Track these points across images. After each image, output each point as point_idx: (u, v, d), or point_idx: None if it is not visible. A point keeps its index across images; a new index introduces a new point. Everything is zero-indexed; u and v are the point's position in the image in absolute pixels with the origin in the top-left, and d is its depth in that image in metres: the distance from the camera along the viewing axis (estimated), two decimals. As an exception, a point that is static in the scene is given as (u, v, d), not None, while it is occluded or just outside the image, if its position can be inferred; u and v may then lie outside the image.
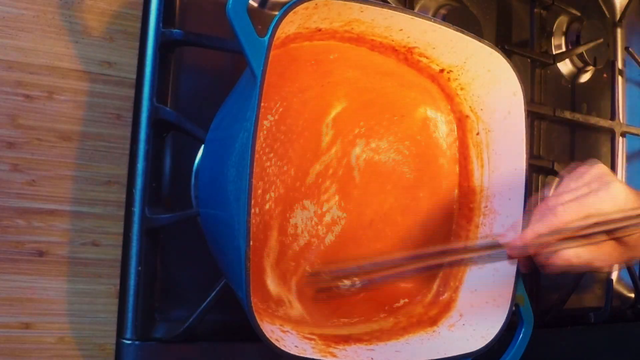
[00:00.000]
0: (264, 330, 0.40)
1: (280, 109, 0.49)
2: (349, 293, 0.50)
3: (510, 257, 0.46)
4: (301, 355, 0.43)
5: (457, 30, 0.50)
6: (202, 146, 0.51)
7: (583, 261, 0.43)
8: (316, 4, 0.43)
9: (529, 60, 0.76)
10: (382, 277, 0.50)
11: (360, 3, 0.45)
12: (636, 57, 0.87)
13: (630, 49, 0.88)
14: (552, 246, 0.43)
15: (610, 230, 0.43)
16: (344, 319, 0.51)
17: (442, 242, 0.57)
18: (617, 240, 0.44)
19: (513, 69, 0.52)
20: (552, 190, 0.45)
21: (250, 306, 0.39)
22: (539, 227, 0.43)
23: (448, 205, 0.58)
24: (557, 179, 0.77)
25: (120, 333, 0.49)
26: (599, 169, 0.45)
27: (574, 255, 0.43)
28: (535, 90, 0.76)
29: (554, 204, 0.43)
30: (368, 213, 0.53)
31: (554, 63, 0.77)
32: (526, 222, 0.45)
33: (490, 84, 0.54)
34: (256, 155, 0.41)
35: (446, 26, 0.49)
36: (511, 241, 0.45)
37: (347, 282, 0.49)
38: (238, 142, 0.40)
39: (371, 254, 0.53)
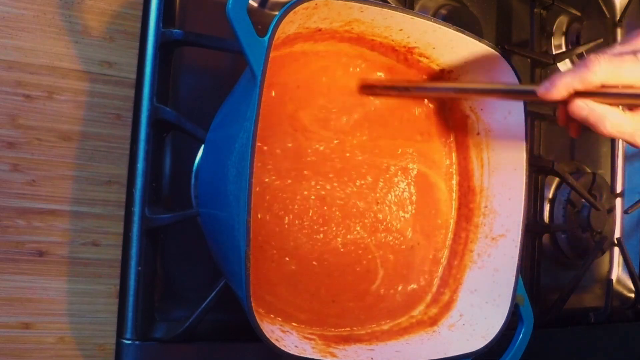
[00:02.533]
0: (264, 330, 0.40)
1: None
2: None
3: (540, 92, 0.45)
4: (301, 355, 0.43)
5: (457, 30, 0.50)
6: (202, 146, 0.51)
7: (621, 129, 0.42)
8: (316, 4, 0.43)
9: (529, 60, 0.76)
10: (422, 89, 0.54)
11: (360, 3, 0.45)
12: (636, 57, 0.87)
13: (630, 49, 0.88)
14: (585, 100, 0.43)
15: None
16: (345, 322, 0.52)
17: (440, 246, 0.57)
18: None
19: (513, 69, 0.52)
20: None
21: (250, 306, 0.39)
22: (570, 78, 0.42)
23: (448, 204, 0.58)
24: (557, 179, 0.77)
25: (120, 333, 0.49)
26: None
27: (613, 119, 0.42)
28: (535, 90, 0.76)
29: (590, 59, 0.42)
30: (363, 212, 0.53)
31: (554, 63, 0.77)
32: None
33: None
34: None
35: (446, 26, 0.49)
36: (542, 91, 0.44)
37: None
38: (238, 142, 0.40)
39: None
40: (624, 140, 0.44)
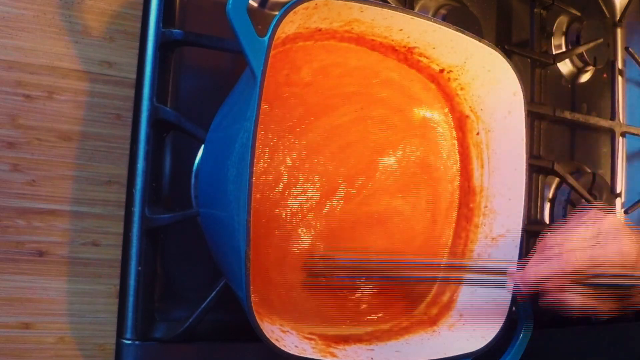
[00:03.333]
0: (264, 330, 0.40)
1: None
2: (338, 287, 0.50)
3: (510, 290, 0.47)
4: (301, 355, 0.43)
5: (457, 30, 0.50)
6: (202, 146, 0.51)
7: (586, 307, 0.44)
8: (316, 4, 0.43)
9: (529, 60, 0.76)
10: (373, 276, 0.50)
11: (360, 3, 0.45)
12: (636, 57, 0.87)
13: (630, 49, 0.88)
14: (554, 288, 0.44)
15: (614, 285, 0.44)
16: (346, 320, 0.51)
17: (442, 245, 0.57)
18: (621, 295, 0.45)
19: (513, 69, 0.52)
20: (552, 234, 0.45)
21: (250, 306, 0.39)
22: (544, 270, 0.44)
23: (448, 205, 0.58)
24: (557, 179, 0.77)
25: (120, 333, 0.49)
26: (612, 221, 0.45)
27: (579, 302, 0.44)
28: (535, 90, 0.76)
29: (561, 250, 0.44)
30: (366, 210, 0.53)
31: (554, 63, 0.77)
32: (531, 259, 0.46)
33: (490, 84, 0.54)
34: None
35: (446, 26, 0.49)
36: (515, 278, 0.46)
37: (341, 274, 0.50)
38: (238, 142, 0.40)
39: (369, 252, 0.53)
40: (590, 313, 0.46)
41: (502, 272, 0.47)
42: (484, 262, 0.52)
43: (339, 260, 0.50)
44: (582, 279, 0.43)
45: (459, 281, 0.53)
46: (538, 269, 0.44)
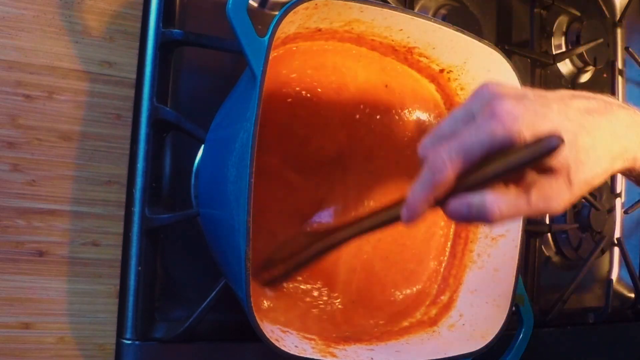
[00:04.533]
0: (264, 330, 0.40)
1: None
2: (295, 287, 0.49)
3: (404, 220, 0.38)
4: (301, 355, 0.43)
5: (457, 30, 0.50)
6: (202, 146, 0.51)
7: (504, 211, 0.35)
8: (316, 4, 0.43)
9: (529, 60, 0.76)
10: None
11: (360, 3, 0.45)
12: (636, 57, 0.87)
13: (630, 49, 0.88)
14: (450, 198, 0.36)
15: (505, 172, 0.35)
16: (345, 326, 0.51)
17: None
18: (516, 185, 0.37)
19: (513, 69, 0.52)
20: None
21: (250, 306, 0.39)
22: (421, 191, 0.36)
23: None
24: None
25: (120, 333, 0.49)
26: (482, 90, 0.36)
27: (504, 205, 0.35)
28: (535, 90, 0.76)
29: (430, 156, 0.36)
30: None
31: (554, 63, 0.77)
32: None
33: (490, 84, 0.54)
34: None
35: (446, 26, 0.49)
36: (405, 219, 0.38)
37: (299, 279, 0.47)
38: (238, 142, 0.40)
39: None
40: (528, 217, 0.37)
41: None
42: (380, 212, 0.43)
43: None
44: (474, 179, 0.35)
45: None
46: (414, 189, 0.36)
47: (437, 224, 0.57)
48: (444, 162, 0.35)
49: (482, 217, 0.36)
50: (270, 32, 0.40)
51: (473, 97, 0.37)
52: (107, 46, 0.52)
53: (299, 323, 0.48)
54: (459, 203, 0.36)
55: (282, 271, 0.46)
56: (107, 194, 0.51)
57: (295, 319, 0.48)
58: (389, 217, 0.41)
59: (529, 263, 0.73)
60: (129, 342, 0.48)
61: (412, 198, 0.37)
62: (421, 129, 0.56)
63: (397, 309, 0.54)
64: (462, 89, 0.55)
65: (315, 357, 0.44)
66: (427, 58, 0.53)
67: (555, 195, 0.36)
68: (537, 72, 0.76)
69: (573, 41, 0.80)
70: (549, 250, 0.78)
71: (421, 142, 0.38)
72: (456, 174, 0.35)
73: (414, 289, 0.56)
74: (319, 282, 0.51)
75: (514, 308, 0.51)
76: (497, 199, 0.35)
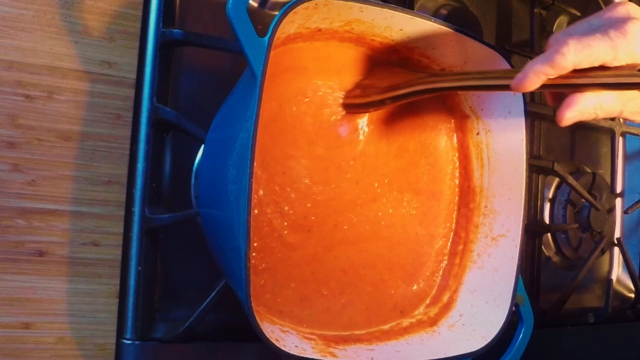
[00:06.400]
0: (264, 330, 0.40)
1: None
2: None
3: (514, 88, 0.42)
4: (301, 355, 0.43)
5: (457, 30, 0.50)
6: (202, 146, 0.51)
7: (591, 109, 0.41)
8: (316, 4, 0.43)
9: (529, 60, 0.75)
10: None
11: (360, 3, 0.45)
12: (636, 57, 0.87)
13: (630, 49, 0.88)
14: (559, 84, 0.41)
15: (617, 84, 0.40)
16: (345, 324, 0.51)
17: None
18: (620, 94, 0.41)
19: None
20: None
21: (250, 306, 0.39)
22: (541, 65, 0.40)
23: (447, 205, 0.58)
24: (557, 179, 0.77)
25: (120, 333, 0.49)
26: (623, 8, 0.41)
27: (583, 101, 0.41)
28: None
29: (559, 42, 0.40)
30: (364, 212, 0.53)
31: (554, 63, 0.77)
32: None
33: (490, 84, 0.54)
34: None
35: (446, 26, 0.49)
36: (515, 83, 0.42)
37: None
38: (238, 142, 0.40)
39: (369, 253, 0.53)
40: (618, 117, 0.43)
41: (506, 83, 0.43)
42: (490, 72, 0.48)
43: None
44: (575, 78, 0.40)
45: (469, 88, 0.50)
46: (534, 63, 0.40)
47: (438, 224, 0.57)
48: (569, 49, 0.39)
49: (589, 119, 0.41)
50: (270, 32, 0.40)
51: (611, 11, 0.41)
52: (107, 46, 0.52)
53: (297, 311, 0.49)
54: (572, 113, 0.41)
55: (378, 98, 0.49)
56: (107, 194, 0.51)
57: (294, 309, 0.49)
58: (497, 82, 0.45)
59: (529, 263, 0.73)
60: (129, 342, 0.48)
61: (530, 67, 0.40)
62: (421, 128, 0.56)
63: (397, 309, 0.54)
64: (462, 89, 0.55)
65: (315, 357, 0.44)
66: (427, 58, 0.53)
67: None
68: (537, 72, 0.76)
69: (573, 41, 0.80)
70: (549, 250, 0.78)
71: (553, 34, 0.42)
72: (574, 65, 0.39)
73: (414, 289, 0.56)
74: (319, 279, 0.51)
75: (514, 308, 0.51)
76: (604, 99, 0.41)
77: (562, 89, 0.42)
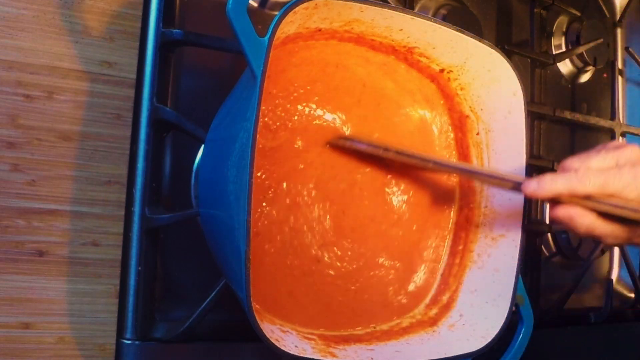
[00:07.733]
0: (264, 330, 0.40)
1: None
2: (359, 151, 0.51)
3: (525, 192, 0.46)
4: (301, 355, 0.43)
5: (457, 30, 0.50)
6: (202, 146, 0.51)
7: (592, 229, 0.44)
8: (316, 4, 0.43)
9: (529, 60, 0.76)
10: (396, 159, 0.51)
11: (360, 3, 0.45)
12: (636, 57, 0.87)
13: (630, 49, 0.88)
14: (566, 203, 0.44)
15: (623, 215, 0.44)
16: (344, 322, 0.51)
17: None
18: (628, 224, 0.45)
19: (513, 69, 0.52)
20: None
21: (250, 306, 0.39)
22: (559, 184, 0.44)
23: (448, 204, 0.58)
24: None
25: (120, 333, 0.49)
26: (633, 151, 0.46)
27: (588, 223, 0.44)
28: (535, 90, 0.76)
29: (581, 170, 0.44)
30: (362, 212, 0.53)
31: (554, 63, 0.77)
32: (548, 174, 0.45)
33: (490, 84, 0.54)
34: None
35: (446, 26, 0.49)
36: (530, 190, 0.45)
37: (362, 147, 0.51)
38: (238, 142, 0.40)
39: (372, 250, 0.54)
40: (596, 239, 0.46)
41: (518, 181, 0.47)
42: (498, 172, 0.51)
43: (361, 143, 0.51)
44: (594, 204, 0.44)
45: (475, 177, 0.54)
46: (554, 181, 0.44)
47: (437, 224, 0.57)
48: (590, 179, 0.43)
49: (573, 228, 0.45)
50: (270, 32, 0.40)
51: (625, 151, 0.46)
52: (107, 46, 0.52)
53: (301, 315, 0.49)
54: (566, 212, 0.44)
55: (352, 146, 0.51)
56: (107, 194, 0.51)
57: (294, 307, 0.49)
58: (505, 182, 0.48)
59: (529, 263, 0.73)
60: (129, 342, 0.48)
61: (549, 181, 0.44)
62: (421, 127, 0.56)
63: (397, 309, 0.54)
64: (462, 89, 0.55)
65: (315, 357, 0.44)
66: (427, 58, 0.53)
67: None
68: (537, 72, 0.76)
69: (573, 41, 0.80)
70: (549, 250, 0.78)
71: (570, 158, 0.46)
72: (589, 194, 0.44)
73: (414, 289, 0.56)
74: (319, 276, 0.51)
75: (514, 308, 0.51)
76: (600, 226, 0.45)
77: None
